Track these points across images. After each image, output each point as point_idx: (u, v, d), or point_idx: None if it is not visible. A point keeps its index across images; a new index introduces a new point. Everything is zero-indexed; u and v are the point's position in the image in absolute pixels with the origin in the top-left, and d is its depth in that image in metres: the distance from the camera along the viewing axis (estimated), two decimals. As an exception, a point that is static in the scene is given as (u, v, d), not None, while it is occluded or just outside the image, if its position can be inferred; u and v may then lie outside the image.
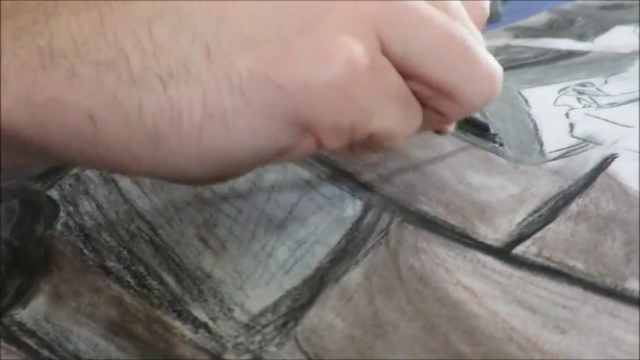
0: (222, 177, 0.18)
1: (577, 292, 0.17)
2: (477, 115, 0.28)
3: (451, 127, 0.24)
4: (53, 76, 0.14)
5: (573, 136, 0.27)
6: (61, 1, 0.15)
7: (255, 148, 0.16)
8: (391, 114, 0.17)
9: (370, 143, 0.18)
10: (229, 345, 0.17)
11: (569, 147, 0.26)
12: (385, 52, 0.16)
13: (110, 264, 0.20)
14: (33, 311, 0.18)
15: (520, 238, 0.20)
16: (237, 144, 0.15)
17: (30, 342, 0.17)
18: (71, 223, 0.23)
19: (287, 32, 0.15)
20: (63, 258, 0.21)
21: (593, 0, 0.56)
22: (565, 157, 0.25)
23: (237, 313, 0.18)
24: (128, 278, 0.20)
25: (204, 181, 0.17)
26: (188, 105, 0.15)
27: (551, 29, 0.49)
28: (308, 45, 0.15)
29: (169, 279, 0.19)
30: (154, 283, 0.19)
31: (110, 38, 0.14)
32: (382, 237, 0.21)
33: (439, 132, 0.25)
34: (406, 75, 0.17)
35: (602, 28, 0.47)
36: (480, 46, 0.17)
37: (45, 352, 0.17)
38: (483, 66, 0.17)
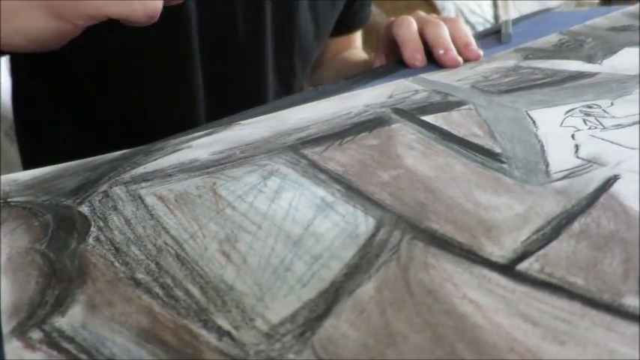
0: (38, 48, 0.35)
1: (576, 306, 0.18)
2: None
3: None
4: None
5: (578, 157, 0.28)
6: None
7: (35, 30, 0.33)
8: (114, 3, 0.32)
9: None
10: (251, 352, 0.18)
11: (574, 168, 0.27)
12: None
13: (140, 276, 0.22)
14: (71, 319, 0.20)
15: (524, 256, 0.21)
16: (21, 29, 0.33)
17: (69, 347, 0.18)
18: (102, 237, 0.25)
19: None
20: (96, 270, 0.22)
21: (603, 21, 0.58)
22: (570, 178, 0.26)
23: (259, 322, 0.19)
24: (157, 290, 0.21)
25: (29, 49, 0.34)
26: None
27: (561, 50, 0.50)
28: None
29: (195, 290, 0.21)
30: (181, 294, 0.21)
31: None
32: (393, 253, 0.22)
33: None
34: None
35: (611, 50, 0.48)
36: None
37: (83, 357, 0.18)
38: None
